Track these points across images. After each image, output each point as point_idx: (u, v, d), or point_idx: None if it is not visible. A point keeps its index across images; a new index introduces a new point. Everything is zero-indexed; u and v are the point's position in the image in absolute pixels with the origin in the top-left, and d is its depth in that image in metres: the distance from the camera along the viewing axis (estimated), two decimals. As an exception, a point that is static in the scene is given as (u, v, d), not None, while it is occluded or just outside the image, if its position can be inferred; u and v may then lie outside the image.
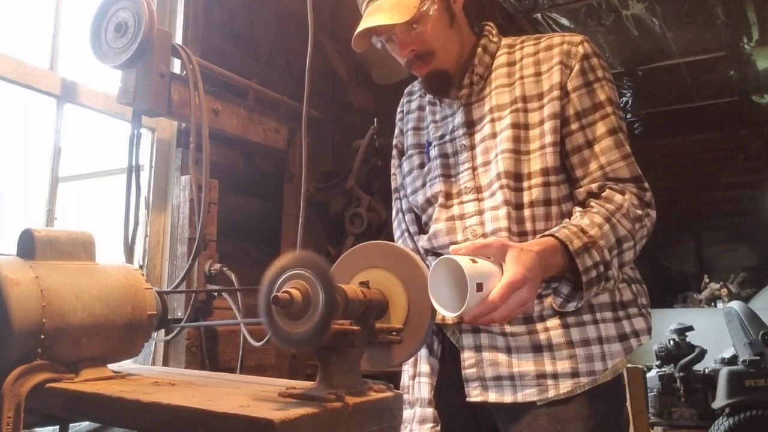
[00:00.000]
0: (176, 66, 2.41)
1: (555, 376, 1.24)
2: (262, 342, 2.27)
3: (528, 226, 1.27)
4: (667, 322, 5.18)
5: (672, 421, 4.79)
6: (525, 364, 1.26)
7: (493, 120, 1.33)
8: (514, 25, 4.53)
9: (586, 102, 1.29)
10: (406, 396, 1.39)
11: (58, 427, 1.14)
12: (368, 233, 2.78)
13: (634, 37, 5.02)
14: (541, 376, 1.25)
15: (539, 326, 1.26)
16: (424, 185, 1.43)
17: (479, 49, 1.39)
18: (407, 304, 1.05)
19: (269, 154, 2.81)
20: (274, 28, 2.97)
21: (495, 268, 1.07)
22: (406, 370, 1.42)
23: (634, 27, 4.83)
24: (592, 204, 1.24)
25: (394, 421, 0.95)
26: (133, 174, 2.16)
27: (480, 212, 1.32)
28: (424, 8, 1.27)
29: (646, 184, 1.28)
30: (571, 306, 1.23)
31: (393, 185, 1.56)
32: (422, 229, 1.47)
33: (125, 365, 1.26)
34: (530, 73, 1.34)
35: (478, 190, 1.34)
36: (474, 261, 1.06)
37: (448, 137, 1.40)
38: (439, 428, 1.33)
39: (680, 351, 4.91)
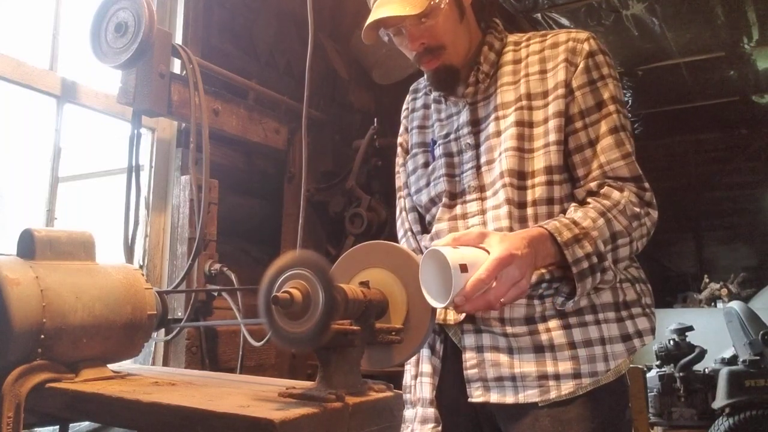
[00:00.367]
0: (176, 66, 2.41)
1: (557, 376, 1.24)
2: (262, 342, 2.27)
3: (530, 225, 1.25)
4: (667, 322, 5.18)
5: (672, 421, 4.79)
6: (527, 365, 1.25)
7: (497, 118, 1.33)
8: (514, 25, 4.52)
9: (589, 100, 1.28)
10: (407, 396, 1.39)
11: (58, 427, 1.14)
12: (368, 233, 2.78)
13: (634, 37, 5.01)
14: (543, 376, 1.24)
15: (541, 327, 1.26)
16: (428, 184, 1.43)
17: (485, 47, 1.38)
18: (407, 304, 1.05)
19: (269, 154, 2.81)
20: (274, 28, 2.97)
21: (480, 252, 1.06)
22: (408, 369, 1.41)
23: (634, 27, 4.83)
24: (589, 201, 1.24)
25: (394, 420, 0.95)
26: (133, 174, 2.16)
27: (482, 212, 1.32)
28: (436, 1, 1.27)
29: (647, 184, 1.27)
30: (570, 304, 1.22)
31: (397, 183, 1.56)
32: (425, 228, 1.47)
33: (125, 365, 1.26)
34: (535, 71, 1.33)
35: (482, 189, 1.33)
36: (456, 248, 1.06)
37: (452, 136, 1.39)
38: (440, 428, 1.33)
39: (680, 351, 4.91)
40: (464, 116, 1.38)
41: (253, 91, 2.65)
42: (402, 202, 1.52)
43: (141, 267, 2.35)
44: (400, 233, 1.52)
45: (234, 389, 1.02)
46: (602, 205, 1.21)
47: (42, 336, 0.98)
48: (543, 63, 1.33)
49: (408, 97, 1.57)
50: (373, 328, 0.99)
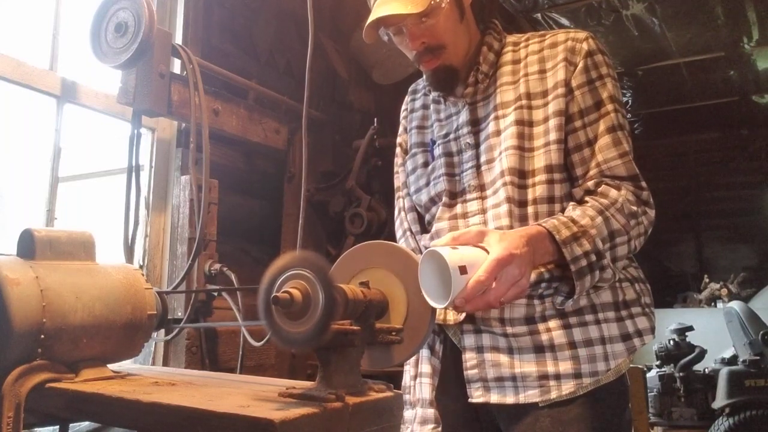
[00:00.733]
0: (176, 66, 2.41)
1: (557, 376, 1.24)
2: (262, 342, 2.27)
3: (531, 223, 1.25)
4: (667, 322, 5.17)
5: (672, 421, 4.79)
6: (527, 365, 1.25)
7: (497, 118, 1.33)
8: (514, 25, 4.52)
9: (588, 100, 1.28)
10: (407, 396, 1.39)
11: (58, 427, 1.14)
12: (368, 233, 2.78)
13: (634, 37, 5.02)
14: (543, 377, 1.24)
15: (541, 327, 1.26)
16: (428, 184, 1.43)
17: (484, 47, 1.38)
18: (407, 304, 1.05)
19: (269, 154, 2.81)
20: (274, 28, 2.97)
21: (479, 252, 1.06)
22: (408, 370, 1.41)
23: (634, 27, 4.83)
24: (587, 199, 1.24)
25: (394, 421, 0.95)
26: (133, 174, 2.16)
27: (483, 211, 1.32)
28: (437, 0, 1.27)
29: (644, 183, 1.28)
30: (570, 302, 1.22)
31: (396, 183, 1.56)
32: (425, 228, 1.47)
33: (125, 365, 1.26)
34: (535, 71, 1.33)
35: (482, 188, 1.34)
36: (454, 248, 1.06)
37: (452, 135, 1.40)
38: (440, 429, 1.33)
39: (680, 351, 4.91)
40: (464, 116, 1.38)
41: (253, 91, 2.65)
42: (401, 202, 1.52)
43: (141, 267, 2.35)
44: (398, 233, 1.52)
45: (234, 389, 1.02)
46: (600, 203, 1.21)
47: (42, 336, 0.98)
48: (542, 63, 1.33)
49: (407, 98, 1.58)
50: (373, 328, 0.99)
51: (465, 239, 1.09)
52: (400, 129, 1.57)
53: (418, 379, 1.38)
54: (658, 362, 5.00)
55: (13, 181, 2.32)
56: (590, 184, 1.26)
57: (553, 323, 1.26)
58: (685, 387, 4.75)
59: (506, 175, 1.28)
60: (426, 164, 1.45)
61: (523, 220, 1.27)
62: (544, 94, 1.31)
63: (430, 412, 1.34)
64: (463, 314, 1.31)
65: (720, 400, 4.29)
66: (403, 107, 1.58)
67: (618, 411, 1.30)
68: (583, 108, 1.28)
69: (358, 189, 2.90)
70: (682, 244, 8.35)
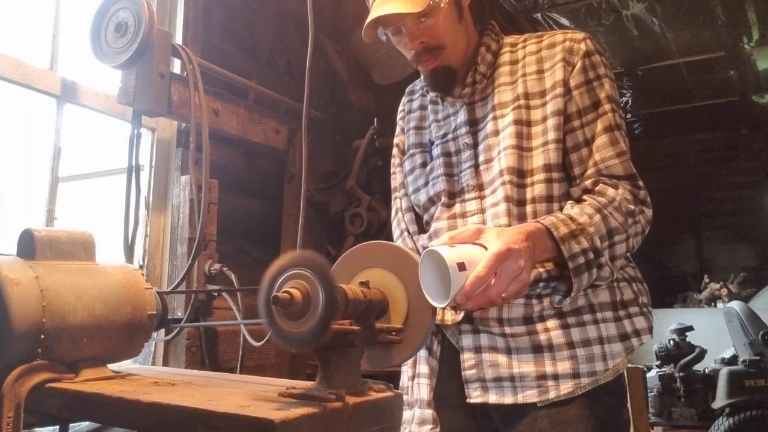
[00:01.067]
0: (176, 66, 2.41)
1: (555, 377, 1.24)
2: (262, 342, 2.27)
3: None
4: (667, 322, 5.17)
5: (672, 421, 4.78)
6: (525, 365, 1.25)
7: (495, 118, 1.33)
8: (514, 25, 4.52)
9: (586, 100, 1.29)
10: (405, 397, 1.38)
11: (58, 427, 1.14)
12: (368, 233, 2.78)
13: (634, 37, 5.02)
14: (542, 377, 1.24)
15: (539, 327, 1.26)
16: (426, 184, 1.43)
17: (482, 48, 1.39)
18: (407, 304, 1.05)
19: (269, 154, 2.81)
20: (274, 28, 2.97)
21: (477, 249, 1.07)
22: (406, 371, 1.41)
23: (634, 27, 4.83)
24: (584, 198, 1.25)
25: (394, 421, 0.95)
26: (133, 174, 2.16)
27: (482, 210, 1.32)
28: (436, 0, 1.27)
29: (641, 183, 1.28)
30: (567, 301, 1.22)
31: (393, 184, 1.56)
32: (422, 228, 1.47)
33: (125, 365, 1.26)
34: (533, 71, 1.34)
35: (480, 187, 1.34)
36: (452, 247, 1.06)
37: (450, 136, 1.40)
38: (438, 429, 1.33)
39: (680, 351, 4.91)
40: (462, 116, 1.38)
41: (253, 91, 2.65)
42: (398, 203, 1.53)
43: (141, 267, 2.35)
44: (396, 234, 1.52)
45: (234, 389, 1.02)
46: (598, 202, 1.21)
47: (42, 336, 0.98)
48: (540, 63, 1.34)
49: (404, 99, 1.58)
50: (373, 328, 0.99)
51: (462, 237, 1.09)
52: (397, 129, 1.57)
53: (416, 379, 1.38)
54: (658, 362, 5.00)
55: (13, 181, 2.32)
56: (588, 183, 1.26)
57: (551, 323, 1.26)
58: (685, 387, 4.75)
59: (505, 174, 1.28)
60: (424, 164, 1.45)
61: (522, 219, 1.27)
62: (542, 94, 1.31)
63: (428, 412, 1.34)
64: (462, 314, 1.31)
65: (720, 400, 4.29)
66: (400, 108, 1.58)
67: (616, 411, 1.30)
68: (581, 108, 1.29)
69: (358, 189, 2.90)
70: (682, 244, 8.35)
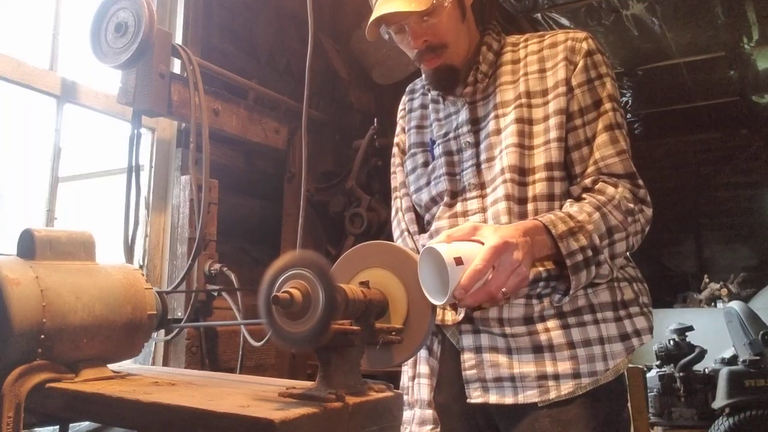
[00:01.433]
0: (176, 66, 2.41)
1: (556, 377, 1.24)
2: (262, 342, 2.27)
3: None
4: (667, 322, 5.17)
5: (672, 421, 4.78)
6: (526, 365, 1.25)
7: (497, 116, 1.34)
8: (514, 25, 4.52)
9: (587, 99, 1.29)
10: (405, 397, 1.38)
11: (58, 427, 1.14)
12: (368, 233, 2.78)
13: (634, 37, 5.01)
14: (542, 377, 1.24)
15: (540, 327, 1.26)
16: (428, 183, 1.43)
17: (483, 47, 1.39)
18: (407, 304, 1.05)
19: (269, 154, 2.81)
20: (274, 28, 2.97)
21: (474, 245, 1.07)
22: (406, 371, 1.41)
23: (634, 27, 4.83)
24: (584, 196, 1.25)
25: (394, 421, 0.95)
26: (133, 174, 2.16)
27: (483, 209, 1.32)
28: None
29: (640, 181, 1.28)
30: (566, 299, 1.22)
31: (393, 184, 1.56)
32: (422, 228, 1.47)
33: (125, 365, 1.26)
34: (534, 70, 1.34)
35: (482, 186, 1.34)
36: (450, 244, 1.06)
37: (452, 135, 1.40)
38: (438, 430, 1.33)
39: (680, 351, 4.90)
40: (463, 115, 1.38)
41: (253, 91, 2.65)
42: (398, 202, 1.52)
43: (141, 267, 2.35)
44: (396, 233, 1.52)
45: (234, 389, 1.02)
46: (597, 200, 1.21)
47: (42, 336, 0.98)
48: (542, 62, 1.34)
49: (404, 98, 1.58)
50: (373, 328, 0.99)
51: (459, 235, 1.10)
52: (398, 129, 1.57)
53: (417, 379, 1.38)
54: (658, 362, 5.00)
55: (13, 181, 2.32)
56: (588, 181, 1.26)
57: (551, 323, 1.26)
58: (685, 387, 4.74)
59: (506, 172, 1.28)
60: (426, 164, 1.45)
61: (523, 217, 1.27)
62: (544, 93, 1.32)
63: (429, 412, 1.34)
64: (462, 314, 1.31)
65: (720, 400, 4.29)
66: (401, 107, 1.58)
67: (617, 411, 1.30)
68: (583, 107, 1.29)
69: (358, 189, 2.90)
70: (682, 244, 8.35)
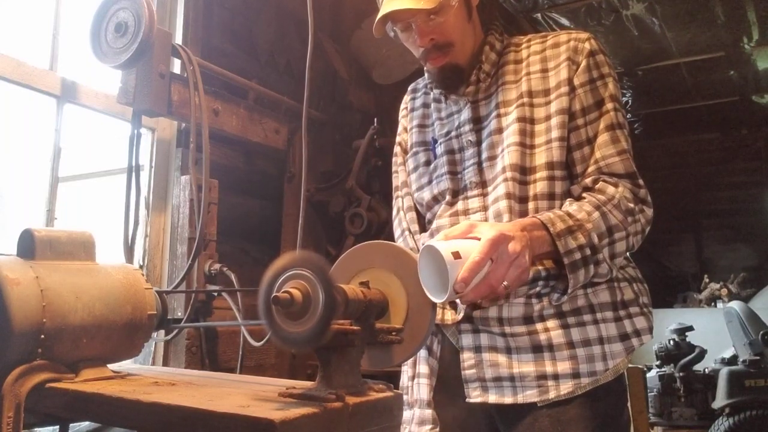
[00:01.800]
0: (176, 66, 2.42)
1: (556, 376, 1.24)
2: (262, 342, 2.27)
3: None
4: (667, 322, 5.17)
5: (672, 421, 4.78)
6: (525, 365, 1.25)
7: (499, 115, 1.34)
8: (514, 25, 4.52)
9: (589, 99, 1.30)
10: (405, 397, 1.38)
11: (58, 427, 1.14)
12: (368, 233, 2.78)
13: (634, 37, 5.01)
14: (542, 377, 1.24)
15: (539, 326, 1.26)
16: (430, 182, 1.44)
17: (486, 47, 1.40)
18: (407, 304, 1.05)
19: (269, 154, 2.81)
20: (274, 28, 2.97)
21: (471, 241, 1.07)
22: (405, 371, 1.41)
23: (634, 27, 4.83)
24: (584, 195, 1.25)
25: (394, 421, 0.95)
26: (133, 174, 2.16)
27: (484, 208, 1.33)
28: None
29: (641, 181, 1.28)
30: (565, 298, 1.22)
31: (394, 183, 1.56)
32: (423, 227, 1.47)
33: (125, 365, 1.26)
34: (537, 70, 1.35)
35: (483, 185, 1.34)
36: (447, 241, 1.07)
37: (454, 133, 1.40)
38: (438, 430, 1.33)
39: (680, 351, 4.91)
40: (465, 114, 1.38)
41: (253, 91, 2.65)
42: (399, 202, 1.53)
43: (141, 267, 2.35)
44: (397, 233, 1.52)
45: (234, 389, 1.02)
46: (597, 199, 1.22)
47: (42, 336, 0.98)
48: (544, 62, 1.35)
49: (406, 97, 1.58)
50: (373, 328, 0.99)
51: (456, 234, 1.11)
52: (399, 128, 1.58)
53: (416, 379, 1.38)
54: (658, 362, 5.00)
55: (13, 181, 2.32)
56: (588, 181, 1.27)
57: (551, 323, 1.26)
58: (685, 387, 4.75)
59: (507, 171, 1.28)
60: (428, 163, 1.46)
61: (523, 215, 1.27)
62: (546, 92, 1.32)
63: (428, 412, 1.34)
64: (462, 314, 1.31)
65: (720, 400, 4.29)
66: (402, 106, 1.58)
67: (616, 411, 1.30)
68: (585, 106, 1.29)
69: (358, 189, 2.90)
70: (682, 244, 8.34)
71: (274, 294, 0.85)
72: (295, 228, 2.46)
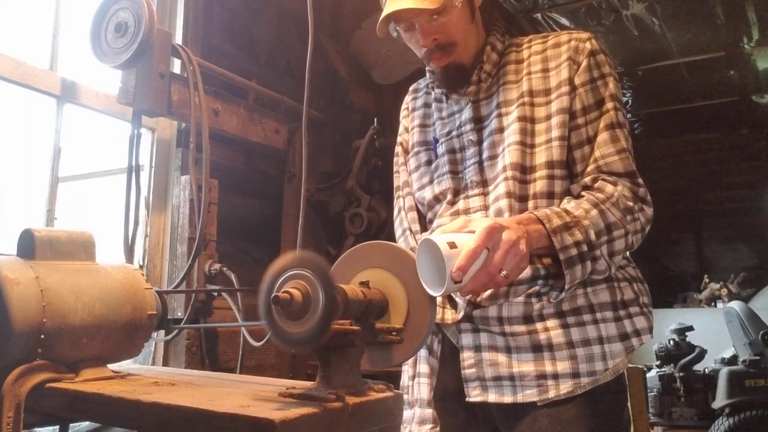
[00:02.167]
0: (176, 66, 2.41)
1: (555, 376, 1.24)
2: (262, 342, 2.27)
3: None
4: (667, 322, 5.18)
5: (672, 421, 4.78)
6: (525, 365, 1.26)
7: (500, 115, 1.34)
8: (514, 25, 4.52)
9: (590, 98, 1.30)
10: (405, 396, 1.39)
11: (58, 427, 1.14)
12: (368, 233, 2.78)
13: (634, 37, 5.01)
14: (542, 376, 1.24)
15: (539, 326, 1.26)
16: (431, 181, 1.44)
17: (488, 47, 1.40)
18: (407, 304, 1.05)
19: (269, 154, 2.81)
20: (274, 28, 2.97)
21: (468, 234, 1.08)
22: (406, 370, 1.41)
23: (634, 27, 4.83)
24: (583, 194, 1.25)
25: (394, 421, 0.95)
26: (133, 174, 2.16)
27: (485, 207, 1.33)
28: None
29: (641, 180, 1.29)
30: (563, 295, 1.22)
31: (395, 183, 1.57)
32: (425, 227, 1.47)
33: (125, 365, 1.26)
34: (538, 69, 1.35)
35: (484, 184, 1.35)
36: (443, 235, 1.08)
37: (455, 133, 1.41)
38: (438, 429, 1.33)
39: (680, 351, 4.91)
40: (467, 113, 1.39)
41: (253, 91, 2.65)
42: (401, 201, 1.53)
43: (141, 267, 2.35)
44: (398, 232, 1.52)
45: (234, 389, 1.02)
46: (595, 197, 1.22)
47: (42, 336, 0.98)
48: (545, 62, 1.35)
49: (407, 97, 1.58)
50: (373, 328, 0.99)
51: (452, 230, 1.11)
52: (401, 128, 1.58)
53: (417, 379, 1.38)
54: (658, 362, 5.00)
55: (13, 181, 2.32)
56: (587, 179, 1.27)
57: (551, 323, 1.26)
58: (685, 387, 4.75)
59: (508, 170, 1.29)
60: (429, 162, 1.46)
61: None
62: (547, 92, 1.32)
63: (429, 412, 1.34)
64: (462, 313, 1.31)
65: (720, 400, 4.29)
66: (404, 106, 1.59)
67: (616, 410, 1.30)
68: (586, 106, 1.30)
69: (358, 189, 2.90)
70: (682, 244, 8.35)
71: (274, 294, 0.85)
72: (295, 228, 2.46)
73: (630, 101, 6.65)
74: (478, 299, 1.28)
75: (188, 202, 2.29)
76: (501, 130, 1.33)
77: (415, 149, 1.49)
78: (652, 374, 4.86)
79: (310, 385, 0.94)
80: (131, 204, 2.15)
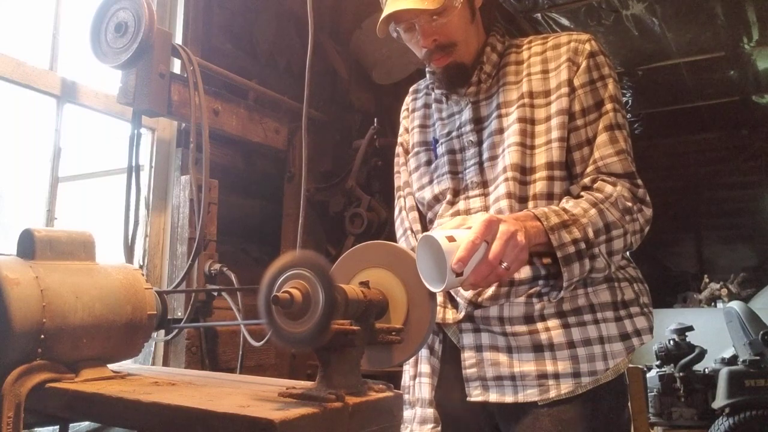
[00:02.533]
0: (176, 66, 2.41)
1: (556, 376, 1.24)
2: (262, 342, 2.27)
3: None
4: (667, 322, 5.18)
5: (672, 421, 4.78)
6: (526, 365, 1.26)
7: (500, 116, 1.34)
8: (514, 25, 4.52)
9: (589, 99, 1.30)
10: (406, 396, 1.39)
11: (58, 427, 1.14)
12: (368, 233, 2.78)
13: (634, 37, 5.01)
14: (543, 376, 1.24)
15: (540, 326, 1.26)
16: (431, 182, 1.44)
17: (488, 48, 1.40)
18: (407, 304, 1.05)
19: (269, 154, 2.81)
20: (274, 28, 2.97)
21: (466, 230, 1.08)
22: (407, 370, 1.42)
23: (634, 27, 4.83)
24: (581, 194, 1.25)
25: (394, 421, 0.95)
26: (133, 174, 2.16)
27: (486, 207, 1.33)
28: None
29: (640, 181, 1.29)
30: (562, 293, 1.22)
31: (396, 183, 1.57)
32: (425, 227, 1.48)
33: (125, 365, 1.26)
34: (537, 71, 1.35)
35: (484, 184, 1.35)
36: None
37: (455, 133, 1.41)
38: (439, 429, 1.33)
39: (680, 351, 4.91)
40: (467, 114, 1.39)
41: (253, 91, 2.65)
42: (402, 202, 1.53)
43: (141, 267, 2.35)
44: (399, 232, 1.53)
45: (234, 389, 1.02)
46: (594, 197, 1.22)
47: (42, 336, 0.98)
48: (545, 63, 1.35)
49: (408, 98, 1.58)
50: (373, 328, 0.99)
51: (450, 228, 1.11)
52: (401, 129, 1.58)
53: (418, 378, 1.38)
54: (658, 362, 5.00)
55: (13, 181, 2.32)
56: (587, 180, 1.27)
57: (551, 322, 1.26)
58: (685, 387, 4.75)
59: (508, 171, 1.29)
60: (429, 162, 1.46)
61: None
62: (547, 93, 1.32)
63: (430, 411, 1.34)
64: (463, 313, 1.31)
65: (720, 400, 4.29)
66: (404, 107, 1.59)
67: (617, 410, 1.30)
68: (585, 107, 1.30)
69: (358, 189, 2.90)
70: (682, 244, 8.34)
71: (274, 294, 0.85)
72: (295, 228, 2.46)
73: (630, 101, 6.65)
74: (480, 299, 1.28)
75: (188, 202, 2.29)
76: (501, 131, 1.33)
77: (415, 149, 1.50)
78: (652, 374, 4.86)
79: (310, 385, 0.94)
80: (131, 204, 2.15)
